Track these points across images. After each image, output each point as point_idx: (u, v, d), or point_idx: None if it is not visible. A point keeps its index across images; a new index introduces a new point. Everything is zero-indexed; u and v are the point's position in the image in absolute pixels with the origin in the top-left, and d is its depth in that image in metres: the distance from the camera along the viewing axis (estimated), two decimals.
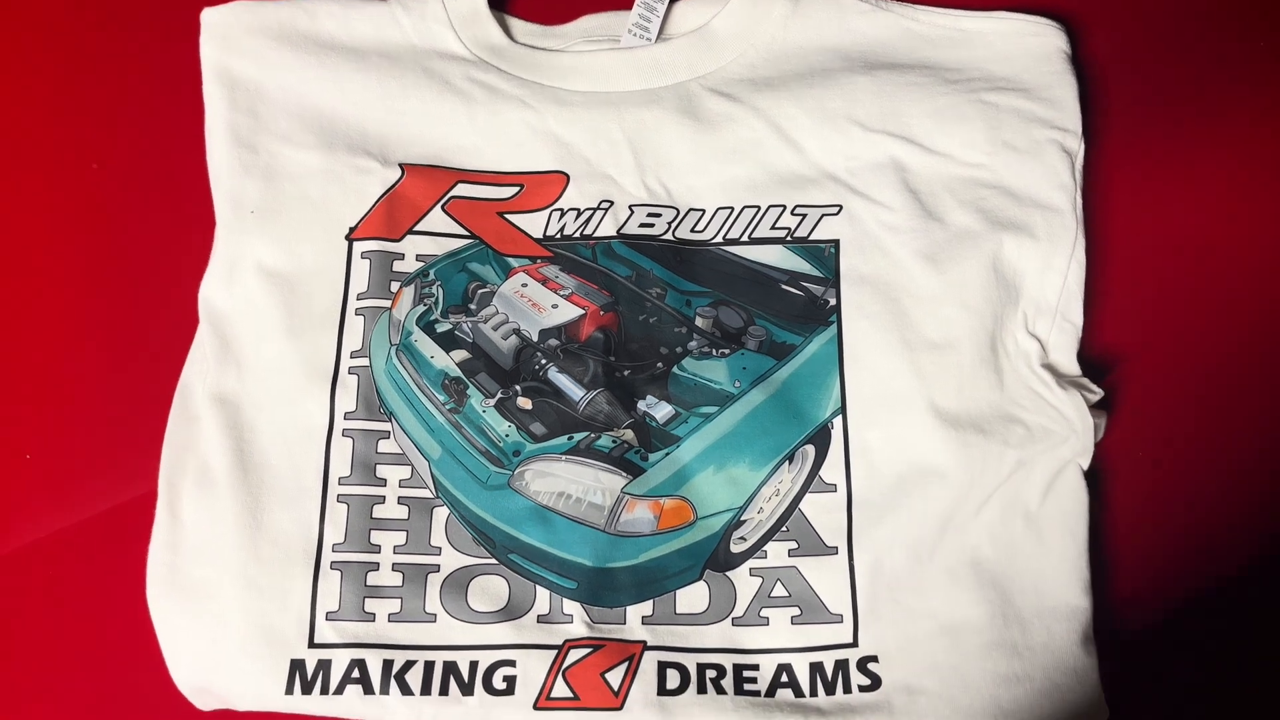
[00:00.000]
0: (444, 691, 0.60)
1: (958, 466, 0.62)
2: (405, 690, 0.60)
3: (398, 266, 0.67)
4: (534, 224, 0.68)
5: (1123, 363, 0.68)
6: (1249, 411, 0.68)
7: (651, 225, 0.68)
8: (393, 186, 0.68)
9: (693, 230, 0.68)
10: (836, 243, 0.67)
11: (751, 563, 0.62)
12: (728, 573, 0.62)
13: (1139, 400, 0.67)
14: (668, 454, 0.62)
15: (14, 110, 0.74)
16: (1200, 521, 0.66)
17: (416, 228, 0.68)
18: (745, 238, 0.68)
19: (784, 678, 0.60)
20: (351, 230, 0.67)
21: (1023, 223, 0.66)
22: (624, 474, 0.61)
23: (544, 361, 0.65)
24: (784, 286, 0.67)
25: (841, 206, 0.68)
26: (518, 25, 0.74)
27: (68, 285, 0.70)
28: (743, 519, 0.62)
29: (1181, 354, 0.68)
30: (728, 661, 0.61)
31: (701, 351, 0.66)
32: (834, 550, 0.62)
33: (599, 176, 0.69)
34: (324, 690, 0.59)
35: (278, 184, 0.67)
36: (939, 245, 0.66)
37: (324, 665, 0.60)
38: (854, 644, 0.61)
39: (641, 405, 0.64)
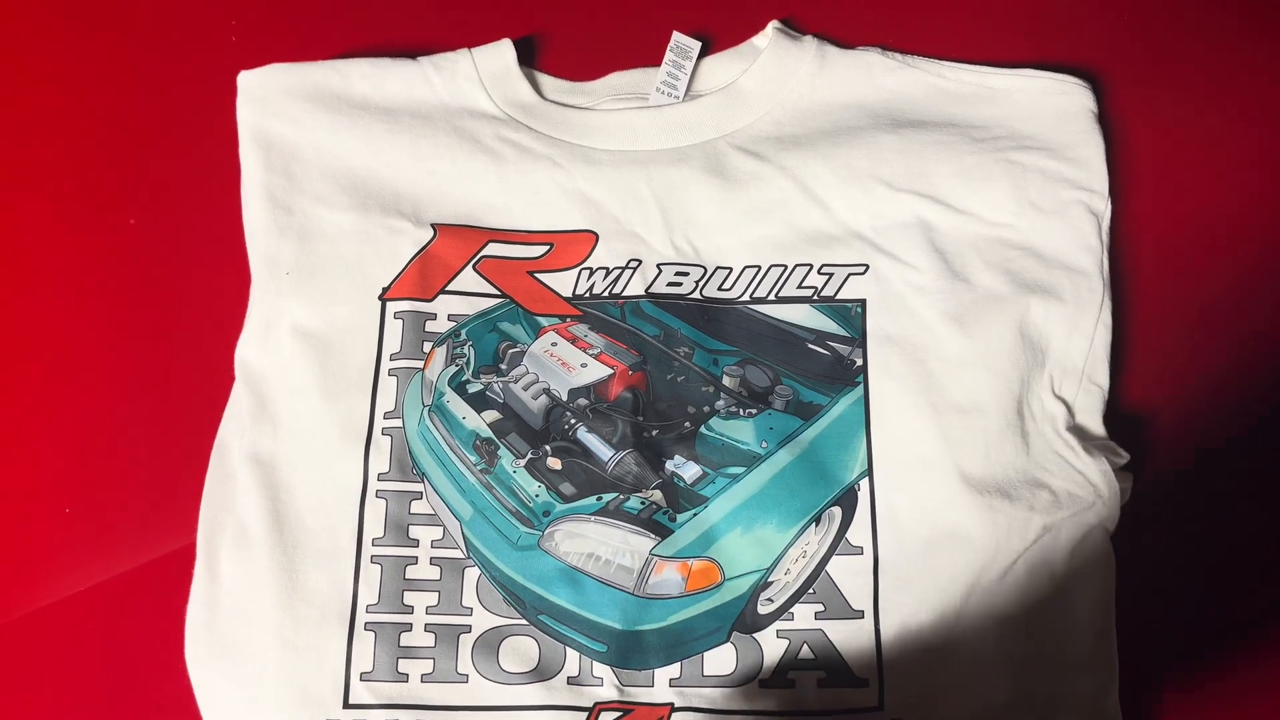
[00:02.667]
0: None
1: (984, 532, 0.62)
2: None
3: (430, 326, 0.68)
4: (563, 283, 0.69)
5: (1149, 425, 0.68)
6: (1278, 472, 0.68)
7: (679, 284, 0.69)
8: (425, 246, 0.69)
9: (720, 289, 0.69)
10: (863, 302, 0.68)
11: (778, 625, 0.63)
12: (755, 634, 0.63)
13: (1165, 463, 0.67)
14: (695, 515, 0.63)
15: (51, 166, 0.75)
16: (1228, 581, 0.66)
17: (448, 287, 0.68)
18: (772, 296, 0.68)
19: None
20: (385, 290, 0.68)
21: (1050, 285, 0.66)
22: (652, 535, 0.62)
23: (573, 421, 0.66)
24: (810, 346, 0.67)
25: (868, 266, 0.68)
26: (546, 81, 0.75)
27: (105, 340, 0.72)
28: (770, 580, 0.63)
29: (1209, 416, 0.68)
30: None
31: (729, 411, 0.67)
32: (860, 614, 0.62)
33: (627, 235, 0.69)
34: None
35: (312, 245, 0.68)
36: (966, 307, 0.66)
37: None
38: (880, 708, 0.61)
39: (669, 465, 0.65)
